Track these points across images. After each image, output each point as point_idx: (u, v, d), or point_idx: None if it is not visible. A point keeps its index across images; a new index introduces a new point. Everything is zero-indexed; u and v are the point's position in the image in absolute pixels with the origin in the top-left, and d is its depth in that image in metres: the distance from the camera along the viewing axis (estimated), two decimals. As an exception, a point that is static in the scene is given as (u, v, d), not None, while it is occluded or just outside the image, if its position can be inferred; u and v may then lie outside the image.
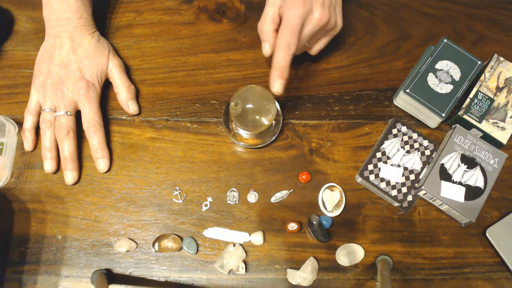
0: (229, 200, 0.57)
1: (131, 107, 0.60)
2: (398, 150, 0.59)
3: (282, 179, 0.59)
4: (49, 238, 0.54)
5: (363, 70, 0.65)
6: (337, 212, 0.57)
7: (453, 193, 0.56)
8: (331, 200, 0.57)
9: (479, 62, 0.62)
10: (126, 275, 0.54)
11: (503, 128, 0.59)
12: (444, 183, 0.56)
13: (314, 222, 0.55)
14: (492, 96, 0.60)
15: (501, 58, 0.62)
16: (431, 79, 0.60)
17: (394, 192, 0.57)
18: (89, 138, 0.57)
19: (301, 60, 0.65)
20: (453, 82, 0.61)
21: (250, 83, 0.63)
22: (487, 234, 0.56)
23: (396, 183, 0.58)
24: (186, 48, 0.65)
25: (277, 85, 0.53)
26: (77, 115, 0.57)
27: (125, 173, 0.58)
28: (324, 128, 0.61)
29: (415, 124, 0.62)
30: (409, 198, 0.58)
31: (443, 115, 0.59)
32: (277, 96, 0.54)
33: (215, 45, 0.65)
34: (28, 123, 0.58)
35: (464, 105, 0.60)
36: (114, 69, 0.60)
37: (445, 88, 0.60)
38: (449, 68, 0.61)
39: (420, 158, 0.59)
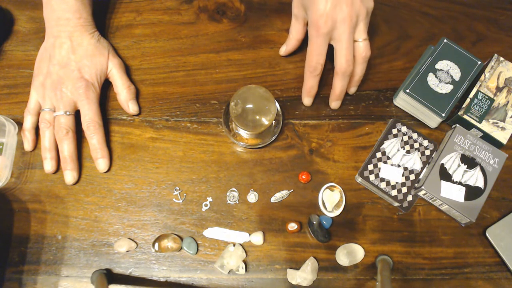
0: (229, 200, 0.57)
1: (131, 107, 0.60)
2: (398, 150, 0.59)
3: (282, 179, 0.58)
4: (49, 238, 0.54)
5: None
6: (337, 212, 0.57)
7: (453, 193, 0.56)
8: (331, 200, 0.57)
9: (479, 62, 0.62)
10: (126, 275, 0.54)
11: (503, 128, 0.59)
12: (444, 183, 0.56)
13: (314, 222, 0.55)
14: (492, 96, 0.60)
15: (501, 58, 0.62)
16: (431, 79, 0.60)
17: (394, 192, 0.57)
18: (88, 138, 0.57)
19: (301, 60, 0.65)
20: (453, 82, 0.61)
21: (250, 83, 0.63)
22: (487, 234, 0.56)
23: (396, 183, 0.58)
24: (186, 48, 0.65)
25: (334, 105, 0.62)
26: (77, 115, 0.57)
27: (125, 173, 0.58)
28: (324, 128, 0.61)
29: (415, 124, 0.62)
30: (409, 198, 0.58)
31: (443, 115, 0.59)
32: (277, 96, 0.54)
33: (215, 45, 0.65)
34: (28, 123, 0.57)
35: (464, 105, 0.60)
36: (114, 69, 0.60)
37: (445, 88, 0.60)
38: (449, 68, 0.61)
39: (420, 158, 0.59)
